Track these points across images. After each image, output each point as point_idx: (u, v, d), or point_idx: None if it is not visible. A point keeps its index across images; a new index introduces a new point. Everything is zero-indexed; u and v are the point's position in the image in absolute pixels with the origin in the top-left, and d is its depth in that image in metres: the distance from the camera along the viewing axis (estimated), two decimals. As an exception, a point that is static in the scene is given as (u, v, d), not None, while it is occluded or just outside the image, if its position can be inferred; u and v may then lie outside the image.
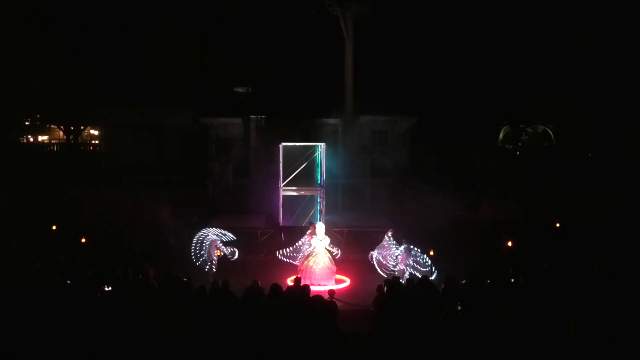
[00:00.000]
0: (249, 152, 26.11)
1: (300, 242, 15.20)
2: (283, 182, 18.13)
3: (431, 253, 15.93)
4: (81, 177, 23.68)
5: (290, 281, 13.96)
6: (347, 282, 15.12)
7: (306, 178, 18.66)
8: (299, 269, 14.88)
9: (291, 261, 15.25)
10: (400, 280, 11.74)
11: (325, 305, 8.23)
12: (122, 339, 7.55)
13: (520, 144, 33.55)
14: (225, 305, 9.07)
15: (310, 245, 14.80)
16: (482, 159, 26.90)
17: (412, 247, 14.37)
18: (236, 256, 15.25)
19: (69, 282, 10.73)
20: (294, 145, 19.07)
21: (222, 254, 15.03)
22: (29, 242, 16.35)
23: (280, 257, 15.33)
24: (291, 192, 18.37)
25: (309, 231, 15.16)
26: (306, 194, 18.69)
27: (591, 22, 27.01)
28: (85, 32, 26.89)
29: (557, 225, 19.87)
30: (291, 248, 15.27)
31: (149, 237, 18.83)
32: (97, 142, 34.63)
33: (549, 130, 33.05)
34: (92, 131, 36.52)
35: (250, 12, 26.92)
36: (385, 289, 10.81)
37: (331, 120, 26.82)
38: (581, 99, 27.53)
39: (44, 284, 10.30)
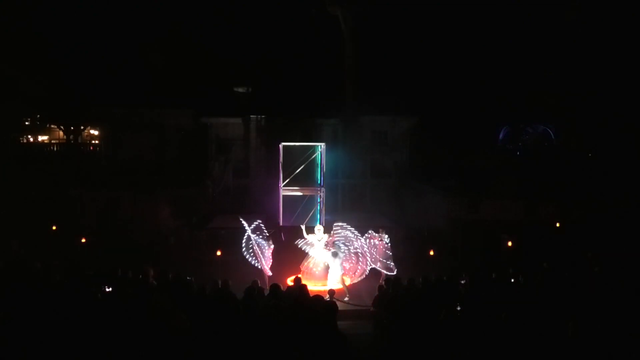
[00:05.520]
0: (249, 152, 26.11)
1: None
2: (283, 182, 18.13)
3: (431, 253, 15.96)
4: (81, 177, 23.68)
5: (290, 281, 13.96)
6: (347, 282, 15.10)
7: (306, 178, 18.64)
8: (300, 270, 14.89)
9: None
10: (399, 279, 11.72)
11: (325, 305, 8.23)
12: (122, 339, 7.56)
13: (520, 144, 33.58)
14: (225, 305, 9.08)
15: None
16: (482, 159, 26.90)
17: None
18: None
19: (69, 282, 10.74)
20: (294, 145, 19.06)
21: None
22: (29, 242, 16.37)
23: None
24: (291, 192, 18.36)
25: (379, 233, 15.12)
26: (306, 194, 18.67)
27: (592, 22, 27.01)
28: (85, 32, 26.87)
29: (557, 225, 19.88)
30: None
31: (149, 237, 18.83)
32: (97, 142, 34.61)
33: (549, 130, 33.08)
34: (92, 131, 36.49)
35: (250, 11, 26.92)
36: (390, 289, 10.81)
37: (331, 120, 26.80)
38: (581, 99, 27.53)
39: (44, 284, 10.31)
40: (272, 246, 14.61)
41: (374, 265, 14.49)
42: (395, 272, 13.91)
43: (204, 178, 24.29)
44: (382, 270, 14.41)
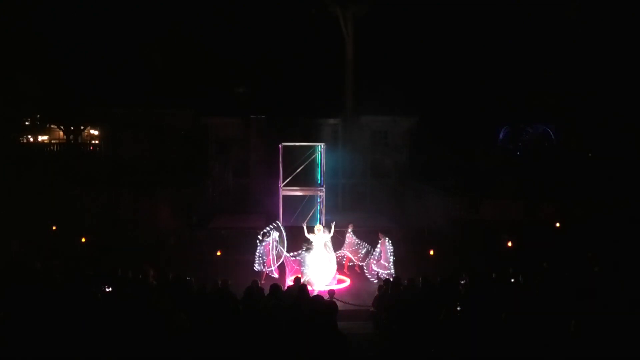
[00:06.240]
0: (249, 152, 26.10)
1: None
2: (283, 182, 18.13)
3: (431, 253, 15.96)
4: (81, 177, 23.68)
5: (290, 281, 13.96)
6: (347, 282, 15.12)
7: (306, 178, 18.64)
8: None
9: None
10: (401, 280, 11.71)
11: (325, 305, 8.23)
12: (122, 339, 7.56)
13: (520, 144, 33.55)
14: (225, 305, 9.08)
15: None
16: (482, 159, 26.89)
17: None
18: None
19: (69, 282, 10.75)
20: (294, 145, 19.06)
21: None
22: (29, 242, 16.38)
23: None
24: (291, 192, 18.37)
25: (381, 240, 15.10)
26: (306, 194, 18.68)
27: (592, 22, 27.00)
28: (85, 32, 26.86)
29: (557, 225, 19.87)
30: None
31: (149, 237, 18.84)
32: (97, 142, 34.61)
33: (549, 130, 33.06)
34: (92, 131, 36.49)
35: (250, 11, 26.90)
36: (390, 289, 10.81)
37: (331, 120, 26.81)
38: (581, 99, 27.52)
39: (44, 284, 10.32)
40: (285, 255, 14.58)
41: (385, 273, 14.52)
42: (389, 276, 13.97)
43: (204, 178, 24.30)
44: (383, 273, 14.42)
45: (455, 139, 26.23)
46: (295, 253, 14.64)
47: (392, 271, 14.36)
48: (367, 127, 27.31)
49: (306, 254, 14.37)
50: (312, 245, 14.42)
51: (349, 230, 15.75)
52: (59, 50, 26.59)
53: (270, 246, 14.59)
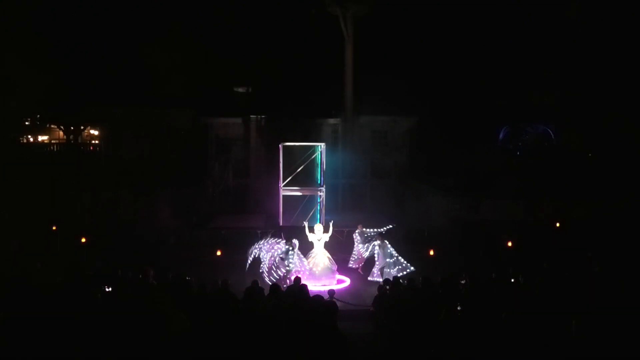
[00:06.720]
0: (249, 152, 26.13)
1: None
2: (283, 182, 18.13)
3: (431, 253, 15.97)
4: (81, 177, 23.70)
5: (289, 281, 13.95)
6: (347, 282, 15.12)
7: (306, 178, 18.66)
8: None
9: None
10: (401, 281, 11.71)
11: (325, 305, 8.24)
12: (122, 339, 7.56)
13: (520, 144, 33.54)
14: (225, 305, 9.09)
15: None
16: (482, 159, 26.89)
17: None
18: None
19: (69, 282, 10.75)
20: (294, 145, 19.08)
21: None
22: (29, 242, 16.39)
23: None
24: (291, 192, 18.37)
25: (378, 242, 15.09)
26: (306, 194, 18.68)
27: (592, 22, 27.00)
28: (85, 32, 26.87)
29: (557, 225, 19.88)
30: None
31: (149, 237, 18.83)
32: (97, 142, 34.62)
33: (549, 130, 33.06)
34: (92, 131, 36.49)
35: (250, 11, 26.91)
36: (388, 289, 10.80)
37: (331, 120, 26.83)
38: (581, 99, 27.53)
39: (44, 284, 10.33)
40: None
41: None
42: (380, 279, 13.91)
43: (204, 178, 24.31)
44: (377, 280, 14.36)
45: (455, 139, 26.23)
46: (281, 249, 14.45)
47: (411, 269, 14.32)
48: (367, 127, 27.32)
49: (290, 254, 14.24)
50: (296, 245, 14.34)
51: (357, 231, 15.74)
52: (59, 50, 26.59)
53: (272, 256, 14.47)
